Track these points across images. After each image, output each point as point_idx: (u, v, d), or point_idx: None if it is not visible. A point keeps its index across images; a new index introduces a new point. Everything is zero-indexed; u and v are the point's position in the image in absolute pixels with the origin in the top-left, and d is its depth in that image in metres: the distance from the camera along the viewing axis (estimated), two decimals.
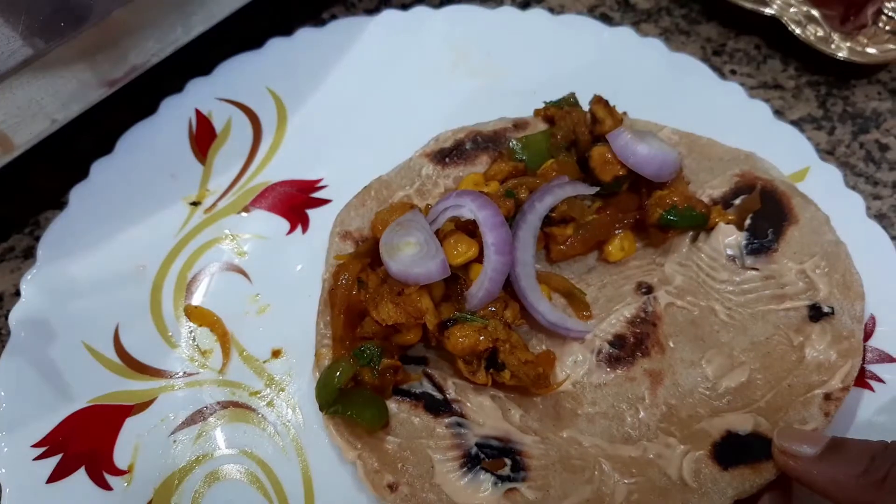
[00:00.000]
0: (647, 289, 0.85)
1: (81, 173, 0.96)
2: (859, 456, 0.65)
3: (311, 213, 0.96)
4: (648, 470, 0.74)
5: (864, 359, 0.81)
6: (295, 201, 0.97)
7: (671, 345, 0.81)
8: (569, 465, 0.75)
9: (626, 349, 0.81)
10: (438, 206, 0.84)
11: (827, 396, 0.76)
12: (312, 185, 0.98)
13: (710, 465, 0.73)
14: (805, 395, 0.77)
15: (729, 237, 0.87)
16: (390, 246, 0.80)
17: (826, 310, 0.81)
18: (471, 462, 0.74)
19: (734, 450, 0.74)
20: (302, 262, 0.92)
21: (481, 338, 0.77)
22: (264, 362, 0.86)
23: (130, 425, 0.82)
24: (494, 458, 0.75)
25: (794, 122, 1.07)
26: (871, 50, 1.10)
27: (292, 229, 0.95)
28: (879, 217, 1.00)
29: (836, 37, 1.11)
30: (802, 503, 0.73)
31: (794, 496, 0.74)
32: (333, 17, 1.17)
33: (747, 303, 0.84)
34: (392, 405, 0.78)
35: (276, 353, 0.86)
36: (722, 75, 1.10)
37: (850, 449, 0.66)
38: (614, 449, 0.76)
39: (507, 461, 0.74)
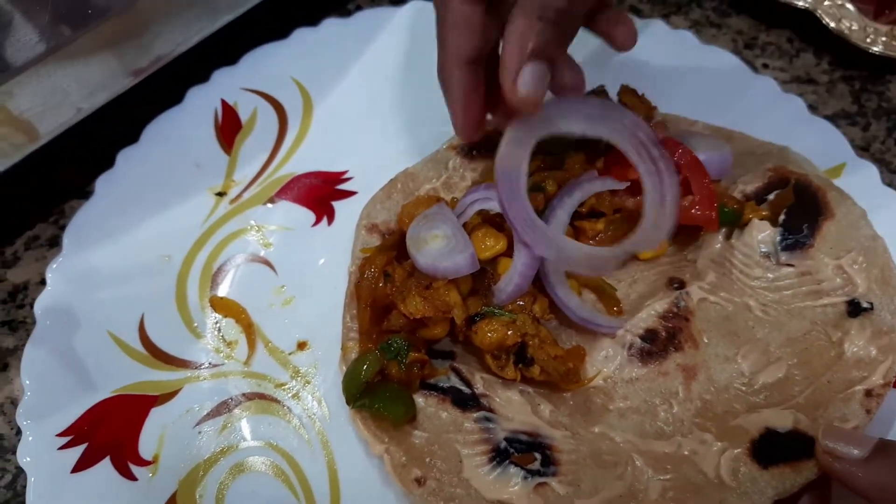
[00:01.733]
0: (679, 284, 0.83)
1: (107, 162, 0.95)
2: None
3: (336, 205, 0.95)
4: (683, 466, 0.73)
5: None
6: (320, 193, 0.96)
7: (705, 340, 0.80)
8: (600, 461, 0.73)
9: (658, 344, 0.79)
10: (466, 198, 0.83)
11: (868, 393, 0.74)
12: (338, 177, 0.97)
13: (749, 463, 0.72)
14: (845, 391, 0.75)
15: (763, 233, 0.85)
16: (417, 239, 0.79)
17: (865, 305, 0.79)
18: (500, 456, 0.73)
19: (774, 448, 0.72)
20: (327, 255, 0.91)
21: (509, 332, 0.76)
22: (290, 354, 0.85)
23: (155, 416, 0.81)
24: (524, 452, 0.73)
25: (828, 118, 1.04)
26: None
27: (318, 221, 0.94)
28: None
29: (870, 30, 1.09)
30: None
31: (833, 497, 0.72)
32: (359, 7, 1.16)
33: (783, 299, 0.82)
34: (419, 399, 0.77)
35: (301, 346, 0.85)
36: (754, 69, 1.08)
37: None
38: (647, 445, 0.74)
39: (537, 455, 0.73)
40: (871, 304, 0.80)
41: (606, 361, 0.79)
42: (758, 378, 0.77)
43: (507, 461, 0.73)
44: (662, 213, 0.80)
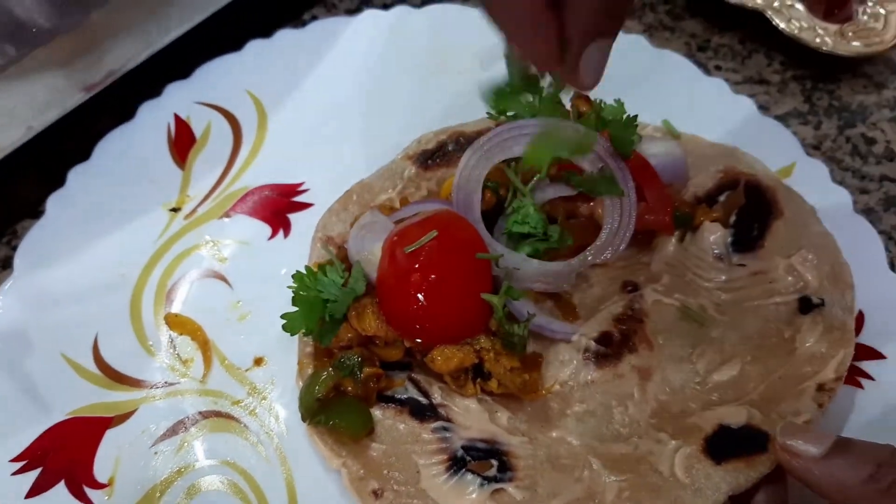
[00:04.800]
0: (633, 287, 0.84)
1: (58, 181, 0.94)
2: (865, 460, 0.63)
3: (292, 217, 0.95)
4: (639, 467, 0.73)
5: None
6: (276, 206, 0.96)
7: (660, 341, 0.80)
8: (558, 465, 0.74)
9: (613, 346, 0.80)
10: (408, 209, 0.85)
11: (820, 387, 0.75)
12: (294, 189, 0.97)
13: (703, 459, 0.72)
14: (797, 386, 0.76)
15: (714, 235, 0.86)
16: (365, 256, 0.79)
17: (816, 301, 0.81)
18: (457, 465, 0.73)
19: (727, 443, 0.72)
20: (284, 268, 0.90)
21: (465, 354, 0.76)
22: (246, 371, 0.84)
23: (111, 437, 0.80)
24: (481, 459, 0.73)
25: (780, 118, 1.06)
26: (856, 43, 1.09)
27: (274, 234, 0.94)
28: (867, 212, 0.99)
29: (820, 30, 1.10)
30: (799, 499, 0.72)
31: (789, 492, 0.73)
32: (314, 18, 1.15)
33: (736, 299, 0.83)
34: (377, 411, 0.77)
35: (258, 361, 0.85)
36: (707, 71, 1.09)
37: (856, 451, 0.65)
38: (604, 447, 0.74)
39: (494, 462, 0.73)
40: (823, 300, 0.81)
41: (563, 366, 0.80)
42: (712, 377, 0.78)
43: (464, 469, 0.73)
44: (621, 224, 0.81)
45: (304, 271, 0.80)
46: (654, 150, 0.89)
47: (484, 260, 0.78)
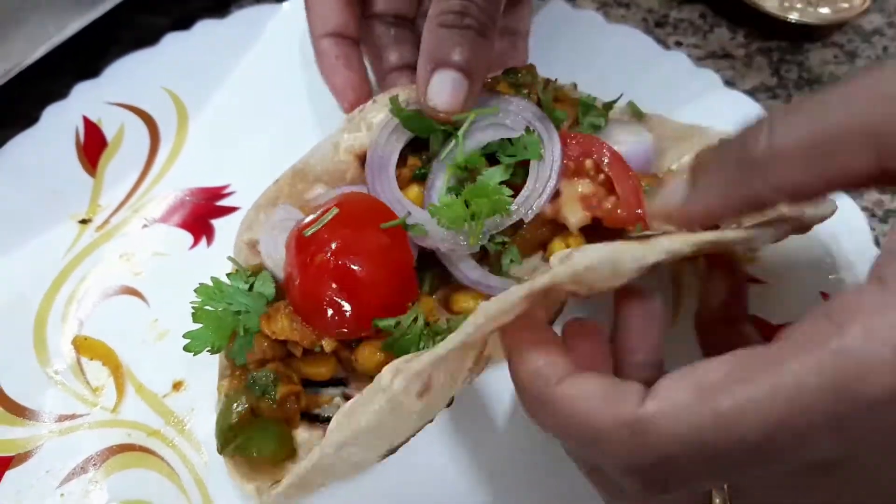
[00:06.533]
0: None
1: None
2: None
3: (216, 223, 0.86)
4: None
5: None
6: (199, 212, 0.87)
7: None
8: None
9: None
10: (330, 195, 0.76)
11: None
12: (218, 193, 0.88)
13: None
14: None
15: None
16: (278, 259, 0.71)
17: None
18: None
19: None
20: (206, 280, 0.81)
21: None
22: (164, 397, 0.75)
23: (11, 480, 0.71)
24: None
25: (748, 93, 0.98)
26: (823, 10, 1.02)
27: (195, 243, 0.85)
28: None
29: None
30: None
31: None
32: (241, 7, 1.06)
33: None
34: (303, 433, 0.67)
35: (176, 386, 0.76)
36: (666, 47, 1.01)
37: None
38: None
39: None
40: None
41: None
42: None
43: None
44: (534, 189, 0.72)
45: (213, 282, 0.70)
46: (623, 137, 0.80)
47: (398, 228, 0.69)
